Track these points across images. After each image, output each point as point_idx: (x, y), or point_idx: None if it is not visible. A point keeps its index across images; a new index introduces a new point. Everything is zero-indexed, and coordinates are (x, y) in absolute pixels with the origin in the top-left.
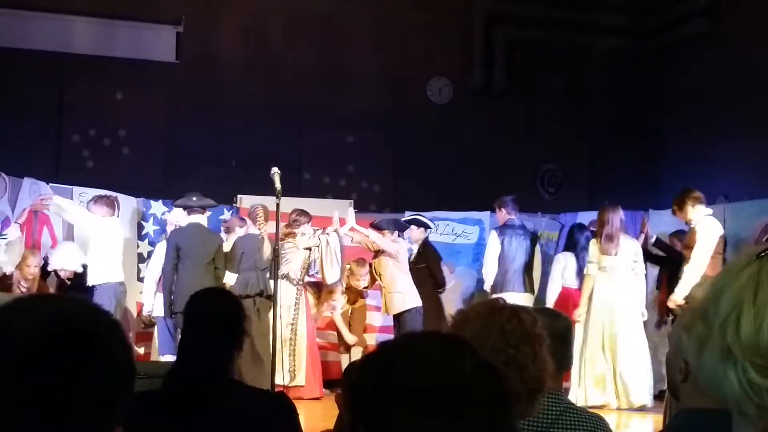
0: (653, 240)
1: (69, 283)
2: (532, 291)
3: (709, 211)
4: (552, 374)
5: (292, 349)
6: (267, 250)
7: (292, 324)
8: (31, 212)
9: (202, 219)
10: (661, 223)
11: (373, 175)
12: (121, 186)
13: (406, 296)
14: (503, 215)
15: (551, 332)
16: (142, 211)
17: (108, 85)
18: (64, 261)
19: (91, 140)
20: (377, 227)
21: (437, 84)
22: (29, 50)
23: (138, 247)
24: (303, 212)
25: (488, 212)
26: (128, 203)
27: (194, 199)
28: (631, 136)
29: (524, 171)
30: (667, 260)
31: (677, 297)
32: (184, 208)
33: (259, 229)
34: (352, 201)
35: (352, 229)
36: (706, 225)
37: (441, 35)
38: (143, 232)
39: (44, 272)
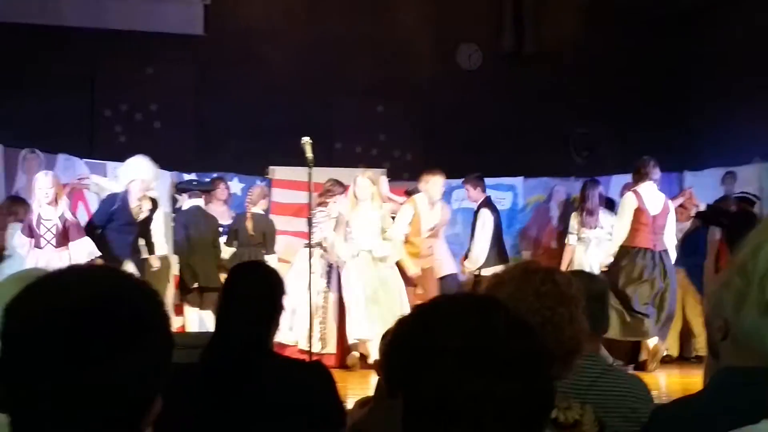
0: (703, 207)
1: None
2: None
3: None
4: (588, 336)
5: (324, 317)
6: (249, 227)
7: (324, 292)
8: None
9: (200, 201)
10: (700, 185)
11: (404, 144)
12: (155, 159)
13: (443, 263)
14: (478, 193)
15: (587, 294)
16: (176, 184)
17: (138, 60)
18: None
19: (123, 115)
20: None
21: (466, 50)
22: (60, 27)
23: (173, 220)
24: (337, 182)
25: (521, 177)
26: (163, 177)
27: (194, 183)
28: (662, 98)
29: (556, 135)
30: (726, 225)
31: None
32: (185, 191)
33: (247, 207)
34: (385, 170)
35: (386, 198)
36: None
37: (469, 1)
38: (177, 206)
39: None
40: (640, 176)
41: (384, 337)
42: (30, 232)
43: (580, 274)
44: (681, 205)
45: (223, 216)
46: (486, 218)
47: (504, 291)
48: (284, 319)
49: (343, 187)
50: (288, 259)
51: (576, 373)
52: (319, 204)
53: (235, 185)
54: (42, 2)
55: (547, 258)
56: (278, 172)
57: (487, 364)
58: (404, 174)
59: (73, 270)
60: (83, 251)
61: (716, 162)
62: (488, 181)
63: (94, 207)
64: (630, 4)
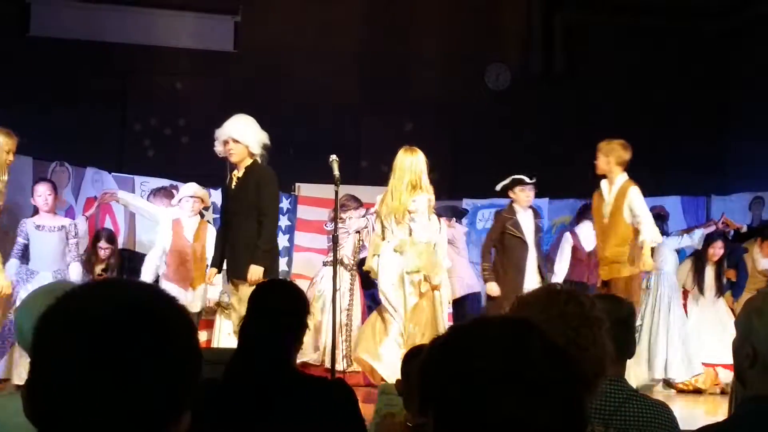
0: (745, 229)
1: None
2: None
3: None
4: (613, 359)
5: (348, 335)
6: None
7: (348, 309)
8: (93, 201)
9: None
10: (724, 209)
11: (431, 163)
12: (182, 175)
13: (465, 281)
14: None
15: (613, 318)
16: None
17: (168, 75)
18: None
19: (151, 130)
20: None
21: (495, 70)
22: (92, 41)
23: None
24: (353, 198)
25: (546, 199)
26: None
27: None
28: (692, 120)
29: (585, 156)
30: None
31: None
32: None
33: None
34: None
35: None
36: None
37: (499, 20)
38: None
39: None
40: (579, 219)
41: (408, 356)
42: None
43: (606, 297)
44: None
45: None
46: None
47: (528, 312)
48: (308, 338)
49: (359, 203)
50: (310, 276)
51: (601, 398)
52: (334, 219)
53: None
54: (75, 18)
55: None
56: (304, 189)
57: (522, 388)
58: None
59: (102, 283)
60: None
61: (744, 186)
62: None
63: (119, 217)
64: (661, 25)
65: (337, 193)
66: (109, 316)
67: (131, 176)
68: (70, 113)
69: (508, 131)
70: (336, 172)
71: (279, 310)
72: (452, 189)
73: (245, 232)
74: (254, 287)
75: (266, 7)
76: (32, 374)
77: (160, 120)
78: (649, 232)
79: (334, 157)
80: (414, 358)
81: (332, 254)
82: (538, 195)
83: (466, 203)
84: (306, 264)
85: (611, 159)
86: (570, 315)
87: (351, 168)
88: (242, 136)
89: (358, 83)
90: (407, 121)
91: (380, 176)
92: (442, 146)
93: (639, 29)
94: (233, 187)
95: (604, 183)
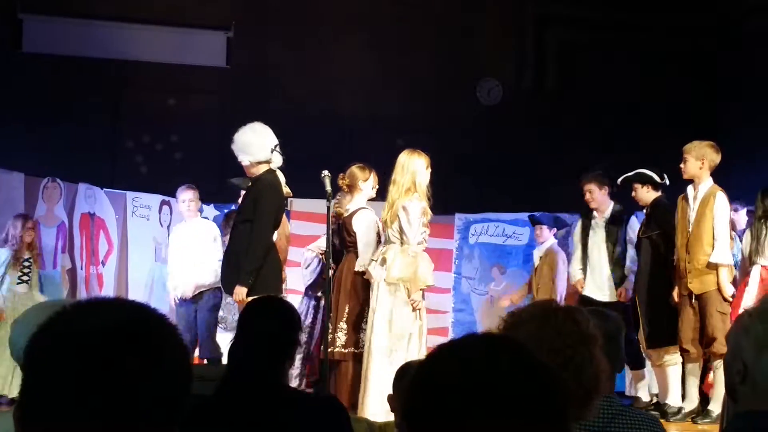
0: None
1: None
2: None
3: None
4: (608, 376)
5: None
6: None
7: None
8: (87, 216)
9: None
10: None
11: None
12: (174, 191)
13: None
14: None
15: (602, 333)
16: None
17: (160, 92)
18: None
19: (144, 146)
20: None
21: (487, 85)
22: (84, 57)
23: None
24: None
25: (538, 213)
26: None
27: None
28: (684, 136)
29: (575, 173)
30: None
31: None
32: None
33: None
34: None
35: None
36: None
37: (491, 36)
38: None
39: None
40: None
41: (404, 371)
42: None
43: (594, 312)
44: None
45: None
46: None
47: (524, 331)
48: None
49: None
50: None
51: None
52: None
53: None
54: (68, 33)
55: (566, 295)
56: (297, 204)
57: (491, 404)
58: None
59: (95, 301)
60: None
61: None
62: (506, 216)
63: (113, 234)
64: (652, 40)
65: (329, 208)
66: (100, 335)
67: (123, 192)
68: (63, 129)
69: (499, 146)
70: (328, 188)
71: (269, 328)
72: (445, 203)
73: (236, 247)
74: (246, 305)
75: (259, 23)
76: (23, 394)
77: (153, 136)
78: (717, 252)
79: (326, 172)
80: (405, 375)
81: (326, 270)
82: (530, 210)
83: (459, 217)
84: (299, 279)
85: (705, 162)
86: (567, 333)
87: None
88: (241, 151)
89: (350, 99)
90: (399, 137)
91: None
92: (434, 161)
93: (631, 46)
94: (243, 196)
95: (690, 188)
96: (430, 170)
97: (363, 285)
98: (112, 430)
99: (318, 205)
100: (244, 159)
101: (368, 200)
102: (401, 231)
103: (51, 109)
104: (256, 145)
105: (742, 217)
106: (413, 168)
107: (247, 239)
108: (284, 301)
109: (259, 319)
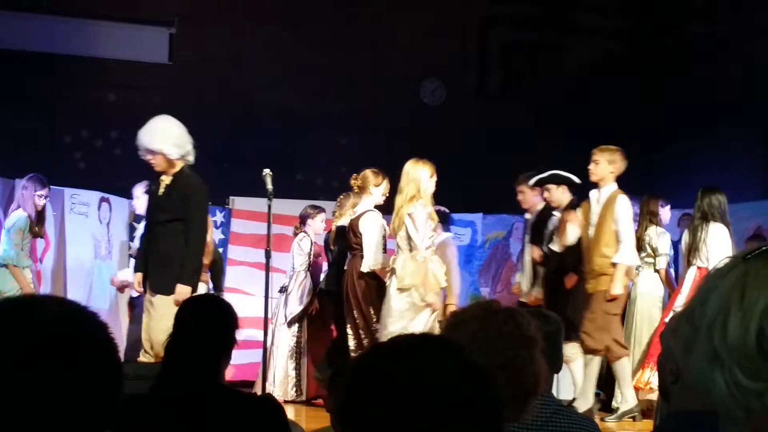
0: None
1: None
2: None
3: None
4: (547, 377)
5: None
6: None
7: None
8: None
9: None
10: None
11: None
12: (114, 188)
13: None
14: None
15: (543, 334)
16: (134, 213)
17: (100, 87)
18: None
19: (83, 142)
20: None
21: (430, 85)
22: (22, 51)
23: (129, 249)
24: (313, 206)
25: (480, 214)
26: (121, 205)
27: None
28: (629, 137)
29: (519, 173)
30: None
31: None
32: None
33: None
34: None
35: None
36: None
37: (434, 36)
38: (134, 233)
39: None
40: None
41: (339, 372)
42: None
43: (535, 313)
44: None
45: None
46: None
47: (466, 331)
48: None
49: (320, 209)
50: (245, 290)
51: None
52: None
53: None
54: (4, 26)
55: (506, 295)
56: (238, 202)
57: (431, 406)
58: None
59: (23, 299)
60: None
61: (675, 204)
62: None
63: (49, 230)
64: (598, 43)
65: (270, 207)
66: (27, 333)
67: (61, 188)
68: (0, 124)
69: (442, 146)
70: (269, 186)
71: (204, 326)
72: (387, 203)
73: (171, 244)
74: (182, 303)
75: (202, 20)
76: None
77: (92, 132)
78: (622, 254)
79: (267, 171)
80: (339, 376)
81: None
82: (471, 210)
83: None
84: (239, 277)
85: (615, 167)
86: (508, 335)
87: (285, 181)
88: (156, 146)
89: (293, 97)
90: (343, 136)
91: (315, 190)
92: (376, 161)
93: (576, 47)
94: (160, 193)
95: (593, 192)
96: (435, 178)
97: (370, 288)
98: (37, 428)
99: (259, 204)
100: (173, 152)
101: (374, 206)
102: (409, 238)
103: None
104: (185, 138)
105: (667, 212)
106: (417, 176)
107: (180, 238)
108: (221, 299)
109: (196, 317)
